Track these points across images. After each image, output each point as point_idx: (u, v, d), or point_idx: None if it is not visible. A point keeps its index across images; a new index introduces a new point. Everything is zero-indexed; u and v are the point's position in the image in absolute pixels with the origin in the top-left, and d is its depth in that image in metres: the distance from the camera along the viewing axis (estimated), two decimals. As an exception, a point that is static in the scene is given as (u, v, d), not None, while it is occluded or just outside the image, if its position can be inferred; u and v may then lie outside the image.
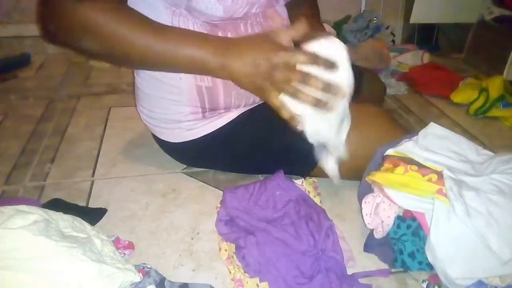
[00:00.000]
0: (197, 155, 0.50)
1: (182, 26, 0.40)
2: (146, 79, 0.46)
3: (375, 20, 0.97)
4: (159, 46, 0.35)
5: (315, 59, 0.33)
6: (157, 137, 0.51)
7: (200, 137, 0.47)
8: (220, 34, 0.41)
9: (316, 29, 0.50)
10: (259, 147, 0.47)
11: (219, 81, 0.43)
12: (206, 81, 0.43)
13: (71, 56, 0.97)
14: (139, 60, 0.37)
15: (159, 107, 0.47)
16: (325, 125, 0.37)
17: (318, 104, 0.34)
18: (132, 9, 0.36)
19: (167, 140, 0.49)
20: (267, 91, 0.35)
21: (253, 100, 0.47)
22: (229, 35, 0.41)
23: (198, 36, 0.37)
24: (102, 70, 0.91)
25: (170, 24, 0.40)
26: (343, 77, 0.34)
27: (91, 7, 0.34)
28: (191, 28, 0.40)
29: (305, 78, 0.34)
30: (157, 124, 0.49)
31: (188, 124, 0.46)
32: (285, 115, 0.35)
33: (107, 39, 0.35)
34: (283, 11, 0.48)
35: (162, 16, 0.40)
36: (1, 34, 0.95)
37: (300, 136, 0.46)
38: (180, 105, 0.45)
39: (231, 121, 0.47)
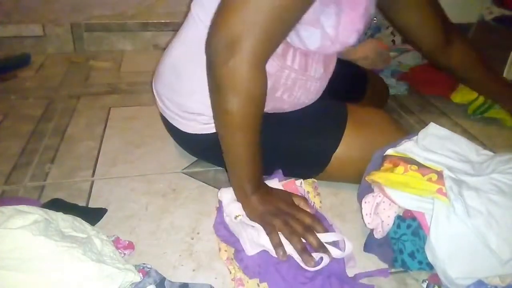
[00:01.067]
0: (209, 149, 0.50)
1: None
2: (188, 54, 0.44)
3: (375, 20, 0.97)
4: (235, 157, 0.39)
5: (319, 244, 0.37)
6: (172, 126, 0.50)
7: (214, 133, 0.46)
8: (291, 51, 0.41)
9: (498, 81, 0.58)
10: (269, 147, 0.47)
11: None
12: None
13: (71, 56, 0.97)
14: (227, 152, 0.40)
15: (186, 92, 0.45)
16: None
17: (303, 253, 0.36)
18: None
19: (183, 130, 0.49)
20: (271, 227, 0.38)
21: (279, 107, 0.47)
22: (298, 54, 0.42)
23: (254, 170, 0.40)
24: (102, 70, 0.91)
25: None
26: (336, 255, 0.36)
27: (255, 79, 0.35)
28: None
29: (307, 231, 0.37)
30: (179, 113, 0.47)
31: (206, 118, 0.46)
32: (275, 241, 0.37)
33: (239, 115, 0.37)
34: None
35: None
36: (1, 34, 0.95)
37: (311, 139, 0.46)
38: (207, 97, 0.43)
39: None
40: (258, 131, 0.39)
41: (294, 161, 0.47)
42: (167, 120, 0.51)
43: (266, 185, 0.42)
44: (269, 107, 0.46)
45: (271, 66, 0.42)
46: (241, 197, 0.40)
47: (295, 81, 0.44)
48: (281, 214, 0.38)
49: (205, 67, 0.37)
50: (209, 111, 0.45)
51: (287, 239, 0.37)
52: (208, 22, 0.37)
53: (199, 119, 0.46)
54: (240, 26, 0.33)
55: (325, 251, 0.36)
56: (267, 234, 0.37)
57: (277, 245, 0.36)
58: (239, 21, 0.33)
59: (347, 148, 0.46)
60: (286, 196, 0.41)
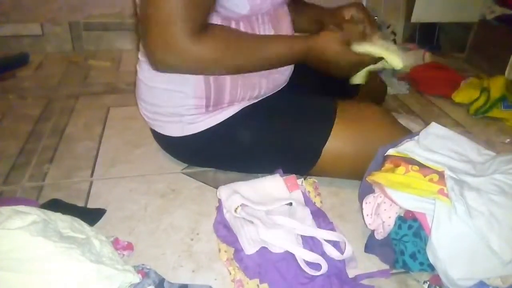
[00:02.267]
0: (197, 151, 0.50)
1: None
2: (149, 71, 0.46)
3: (376, 19, 0.96)
4: (266, 54, 0.42)
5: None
6: (157, 133, 0.51)
7: (201, 132, 0.47)
8: (233, 23, 0.42)
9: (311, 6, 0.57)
10: (258, 143, 0.47)
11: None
12: None
13: (69, 56, 0.97)
14: (250, 69, 0.44)
15: (162, 100, 0.47)
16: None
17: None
18: (226, 30, 0.41)
19: (167, 134, 0.49)
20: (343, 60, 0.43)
21: (257, 93, 0.47)
22: (241, 24, 0.43)
23: (288, 38, 0.45)
24: (101, 70, 0.90)
25: None
26: (336, 256, 0.38)
27: (203, 44, 0.38)
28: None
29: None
30: (158, 118, 0.49)
31: (190, 117, 0.46)
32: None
33: (225, 67, 0.41)
34: (287, 10, 0.49)
35: None
36: (0, 33, 0.95)
37: (300, 133, 0.46)
38: (185, 97, 0.45)
39: (232, 116, 0.47)
40: (244, 46, 0.41)
41: (285, 157, 0.48)
42: (154, 130, 0.51)
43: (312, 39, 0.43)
44: (243, 94, 0.46)
45: None
46: (308, 56, 0.43)
47: None
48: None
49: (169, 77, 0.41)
50: (189, 112, 0.46)
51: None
52: None
53: (184, 120, 0.47)
54: (163, 16, 0.35)
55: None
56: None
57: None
58: (160, 13, 0.36)
59: (338, 142, 0.46)
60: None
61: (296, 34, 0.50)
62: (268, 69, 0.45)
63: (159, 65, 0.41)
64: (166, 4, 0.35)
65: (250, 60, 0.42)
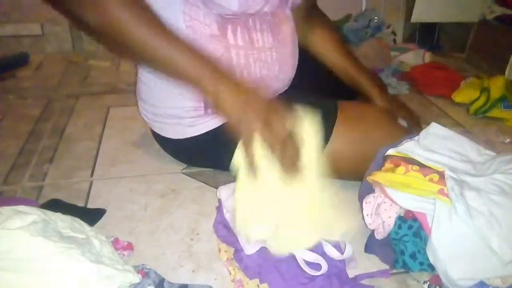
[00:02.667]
0: (197, 153, 0.50)
1: (194, 16, 0.40)
2: (149, 71, 0.46)
3: (376, 19, 0.97)
4: (163, 51, 0.35)
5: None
6: (157, 134, 0.51)
7: (201, 134, 0.46)
8: (230, 28, 0.41)
9: (350, 58, 0.53)
10: None
11: None
12: None
13: (69, 56, 0.97)
14: (138, 55, 0.36)
15: (162, 101, 0.46)
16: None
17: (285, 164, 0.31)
18: (148, 7, 0.35)
19: (167, 136, 0.49)
20: (246, 130, 0.33)
21: None
22: (239, 29, 0.42)
23: (200, 56, 0.36)
24: (101, 70, 0.90)
25: (181, 13, 0.40)
26: (336, 257, 0.33)
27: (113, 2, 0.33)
28: (201, 19, 0.40)
29: (287, 142, 0.32)
30: (158, 119, 0.48)
31: (189, 120, 0.46)
32: (248, 152, 0.32)
33: (120, 34, 0.34)
34: (290, 15, 0.48)
35: (175, 3, 0.40)
36: (0, 33, 0.95)
37: None
38: (183, 99, 0.45)
39: None
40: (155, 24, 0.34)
41: None
42: (155, 131, 0.51)
43: (227, 72, 0.34)
44: None
45: (216, 50, 0.41)
46: (211, 97, 0.33)
47: (247, 58, 0.43)
48: (263, 118, 0.31)
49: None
50: (189, 114, 0.45)
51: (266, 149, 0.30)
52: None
53: (182, 122, 0.46)
54: None
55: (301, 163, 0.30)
56: (243, 144, 0.31)
57: (250, 161, 0.30)
58: None
59: (339, 143, 0.45)
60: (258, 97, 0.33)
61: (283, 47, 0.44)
62: (154, 69, 0.37)
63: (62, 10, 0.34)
64: None
65: (142, 43, 0.34)
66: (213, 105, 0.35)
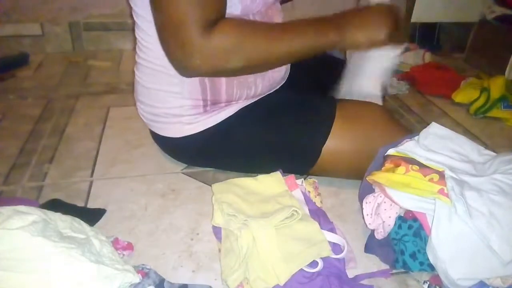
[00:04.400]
0: (197, 152, 0.50)
1: None
2: (147, 73, 0.46)
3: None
4: (295, 43, 0.40)
5: None
6: (156, 134, 0.51)
7: (200, 132, 0.47)
8: None
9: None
10: (258, 143, 0.47)
11: None
12: None
13: (69, 56, 0.97)
14: (277, 61, 0.43)
15: (160, 101, 0.47)
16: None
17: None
18: (240, 21, 0.40)
19: (166, 135, 0.49)
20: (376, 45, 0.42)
21: (254, 92, 0.47)
22: None
23: (318, 22, 0.42)
24: (101, 70, 0.90)
25: None
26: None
27: (214, 37, 0.37)
28: None
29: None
30: (157, 119, 0.49)
31: (188, 118, 0.46)
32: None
33: (250, 54, 0.39)
34: (280, 7, 0.49)
35: None
36: (0, 33, 0.95)
37: (300, 133, 0.46)
38: (181, 98, 0.45)
39: (231, 115, 0.47)
40: (272, 36, 0.40)
41: (285, 156, 0.47)
42: (153, 131, 0.51)
43: (341, 15, 0.42)
44: (239, 93, 0.46)
45: None
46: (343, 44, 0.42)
47: None
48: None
49: (164, 73, 0.41)
50: (188, 112, 0.45)
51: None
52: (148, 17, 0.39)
53: (182, 120, 0.47)
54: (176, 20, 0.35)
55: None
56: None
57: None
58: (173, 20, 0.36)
59: (338, 141, 0.45)
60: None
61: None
62: (297, 59, 0.42)
63: (185, 73, 0.41)
64: (173, 9, 0.35)
65: (274, 48, 0.39)
66: (348, 48, 0.44)
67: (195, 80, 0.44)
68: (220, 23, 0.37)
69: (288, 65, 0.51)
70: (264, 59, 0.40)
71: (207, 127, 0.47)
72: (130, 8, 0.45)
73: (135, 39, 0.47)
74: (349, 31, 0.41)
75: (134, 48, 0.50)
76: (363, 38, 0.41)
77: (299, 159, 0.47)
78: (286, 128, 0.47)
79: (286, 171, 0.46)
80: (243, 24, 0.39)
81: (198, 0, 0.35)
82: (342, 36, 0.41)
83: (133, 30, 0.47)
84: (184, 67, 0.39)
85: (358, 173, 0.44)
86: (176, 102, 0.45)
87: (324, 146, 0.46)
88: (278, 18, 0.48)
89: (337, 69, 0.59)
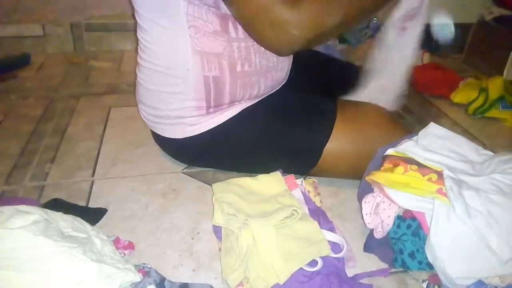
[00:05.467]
0: (199, 153, 0.50)
1: (197, 15, 0.41)
2: (149, 74, 0.46)
3: (375, 20, 0.97)
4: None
5: None
6: (158, 135, 0.51)
7: (203, 133, 0.47)
8: (230, 23, 0.42)
9: None
10: (260, 144, 0.47)
11: (226, 70, 0.44)
12: (213, 70, 0.43)
13: (71, 56, 0.97)
14: (367, 12, 0.42)
15: (162, 102, 0.47)
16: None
17: None
18: None
19: (168, 137, 0.49)
20: None
21: (257, 92, 0.47)
22: (239, 26, 0.43)
23: None
24: (102, 70, 0.91)
25: (184, 14, 0.41)
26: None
27: (299, 7, 0.36)
28: (204, 17, 0.41)
29: None
30: (159, 121, 0.49)
31: (191, 119, 0.46)
32: None
33: (344, 9, 0.38)
34: None
35: (177, 5, 0.40)
36: (1, 34, 0.95)
37: (301, 134, 0.47)
38: (185, 99, 0.45)
39: (233, 116, 0.47)
40: None
41: (286, 157, 0.48)
42: (155, 132, 0.51)
43: None
44: (243, 93, 0.46)
45: (219, 46, 0.42)
46: None
47: (248, 49, 0.44)
48: None
49: (166, 75, 0.41)
50: (191, 113, 0.46)
51: None
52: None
53: (185, 122, 0.47)
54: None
55: None
56: None
57: None
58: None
59: (339, 142, 0.46)
60: None
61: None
62: (372, 11, 0.42)
63: (282, 51, 0.40)
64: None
65: (351, 4, 0.39)
66: None
67: (199, 80, 0.44)
68: None
69: (289, 65, 0.51)
70: (354, 7, 0.39)
71: (209, 128, 0.47)
72: (132, 8, 0.45)
73: (136, 40, 0.47)
74: None
75: (135, 49, 0.50)
76: None
77: (300, 160, 0.48)
78: (288, 130, 0.47)
79: (287, 171, 0.46)
80: None
81: None
82: None
83: (135, 31, 0.48)
84: (283, 46, 0.39)
85: (358, 173, 0.44)
86: (179, 103, 0.46)
87: (326, 146, 0.46)
88: None
89: (337, 69, 0.59)
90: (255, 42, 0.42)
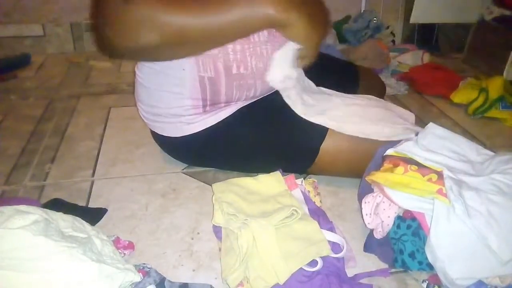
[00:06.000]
0: (197, 151, 0.51)
1: None
2: (147, 73, 0.46)
3: (375, 20, 0.97)
4: (220, 15, 0.36)
5: None
6: (156, 134, 0.51)
7: (200, 131, 0.47)
8: None
9: None
10: (257, 142, 0.48)
11: (221, 71, 0.44)
12: (208, 71, 0.43)
13: (71, 56, 0.97)
14: (198, 39, 0.38)
15: (160, 101, 0.47)
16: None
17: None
18: None
19: (167, 135, 0.49)
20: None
21: (253, 94, 0.47)
22: None
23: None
24: (102, 70, 0.91)
25: None
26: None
27: (133, 6, 0.34)
28: None
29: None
30: (158, 119, 0.49)
31: (188, 118, 0.47)
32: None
33: (163, 27, 0.35)
34: None
35: None
36: (1, 34, 0.95)
37: (298, 132, 0.46)
38: (182, 98, 0.45)
39: (231, 115, 0.47)
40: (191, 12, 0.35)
41: (283, 155, 0.48)
42: (153, 131, 0.51)
43: None
44: (239, 94, 0.46)
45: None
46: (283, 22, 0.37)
47: (243, 52, 0.43)
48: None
49: (166, 75, 0.40)
50: (188, 112, 0.46)
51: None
52: None
53: (183, 120, 0.47)
54: None
55: None
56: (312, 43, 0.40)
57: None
58: None
59: (335, 139, 0.46)
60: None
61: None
62: (226, 37, 0.38)
63: (105, 46, 0.36)
64: None
65: (192, 21, 0.35)
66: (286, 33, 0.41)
67: (195, 80, 0.44)
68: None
69: None
70: (180, 35, 0.35)
71: (207, 126, 0.47)
72: None
73: None
74: (294, 9, 0.36)
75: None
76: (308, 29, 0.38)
77: (298, 158, 0.48)
78: (285, 127, 0.47)
79: (285, 170, 0.46)
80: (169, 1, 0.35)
81: None
82: (285, 14, 0.36)
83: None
84: (105, 41, 0.36)
85: (356, 170, 0.44)
86: (177, 102, 0.46)
87: (322, 144, 0.46)
88: None
89: (337, 69, 0.59)
90: (246, 45, 0.41)
